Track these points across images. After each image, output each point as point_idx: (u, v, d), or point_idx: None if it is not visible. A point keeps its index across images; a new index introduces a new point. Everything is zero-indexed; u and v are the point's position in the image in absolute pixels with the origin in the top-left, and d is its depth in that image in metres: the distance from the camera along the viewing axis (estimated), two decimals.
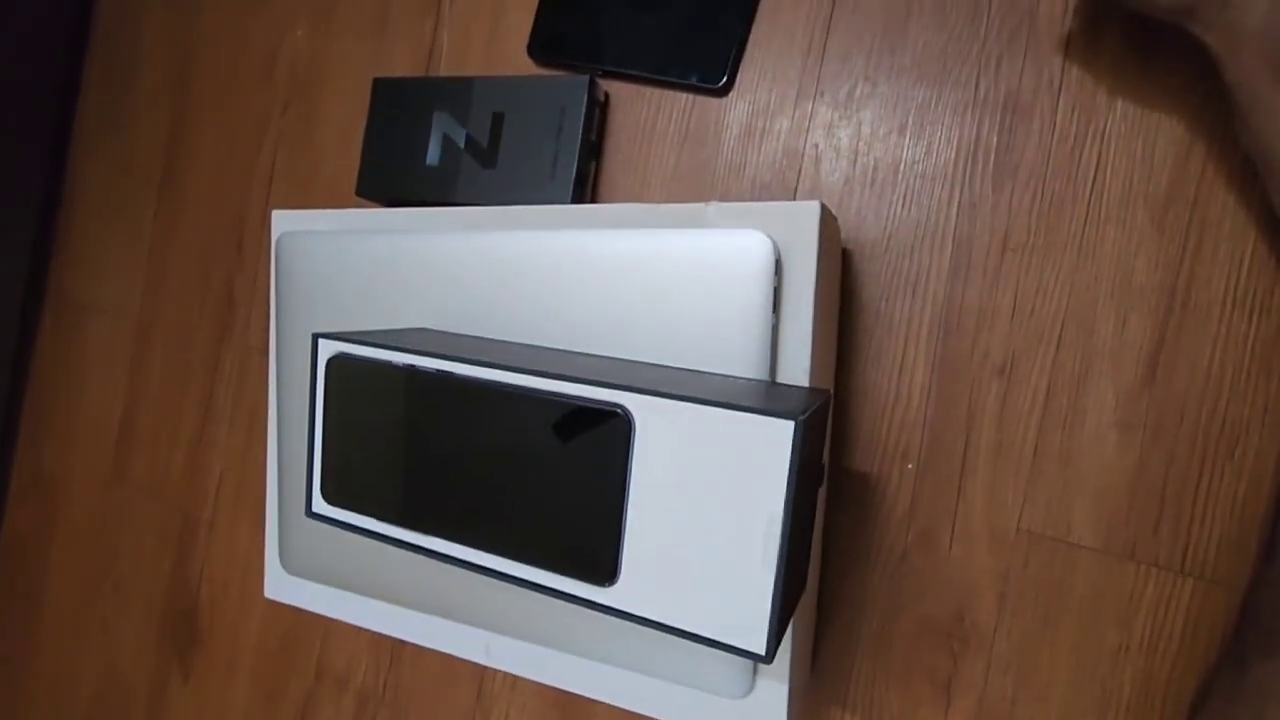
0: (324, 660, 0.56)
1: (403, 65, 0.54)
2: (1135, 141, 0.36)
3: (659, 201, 0.45)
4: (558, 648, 0.37)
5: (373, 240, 0.40)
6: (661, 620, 0.26)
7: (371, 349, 0.32)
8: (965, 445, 0.39)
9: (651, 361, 0.33)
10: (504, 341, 0.36)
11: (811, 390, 0.30)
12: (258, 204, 0.60)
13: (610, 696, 0.37)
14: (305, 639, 0.57)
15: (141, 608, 0.65)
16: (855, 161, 0.41)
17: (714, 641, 0.26)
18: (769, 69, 0.43)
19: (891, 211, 0.41)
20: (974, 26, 0.39)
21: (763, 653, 0.25)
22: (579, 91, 0.45)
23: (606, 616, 0.34)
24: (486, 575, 0.30)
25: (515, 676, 0.49)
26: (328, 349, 0.33)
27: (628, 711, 0.40)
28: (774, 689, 0.33)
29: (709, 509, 0.25)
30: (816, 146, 0.42)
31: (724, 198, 0.44)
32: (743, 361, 0.31)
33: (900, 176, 0.40)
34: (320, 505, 0.34)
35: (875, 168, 0.41)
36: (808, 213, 0.31)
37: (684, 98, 0.45)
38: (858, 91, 0.42)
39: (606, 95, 0.47)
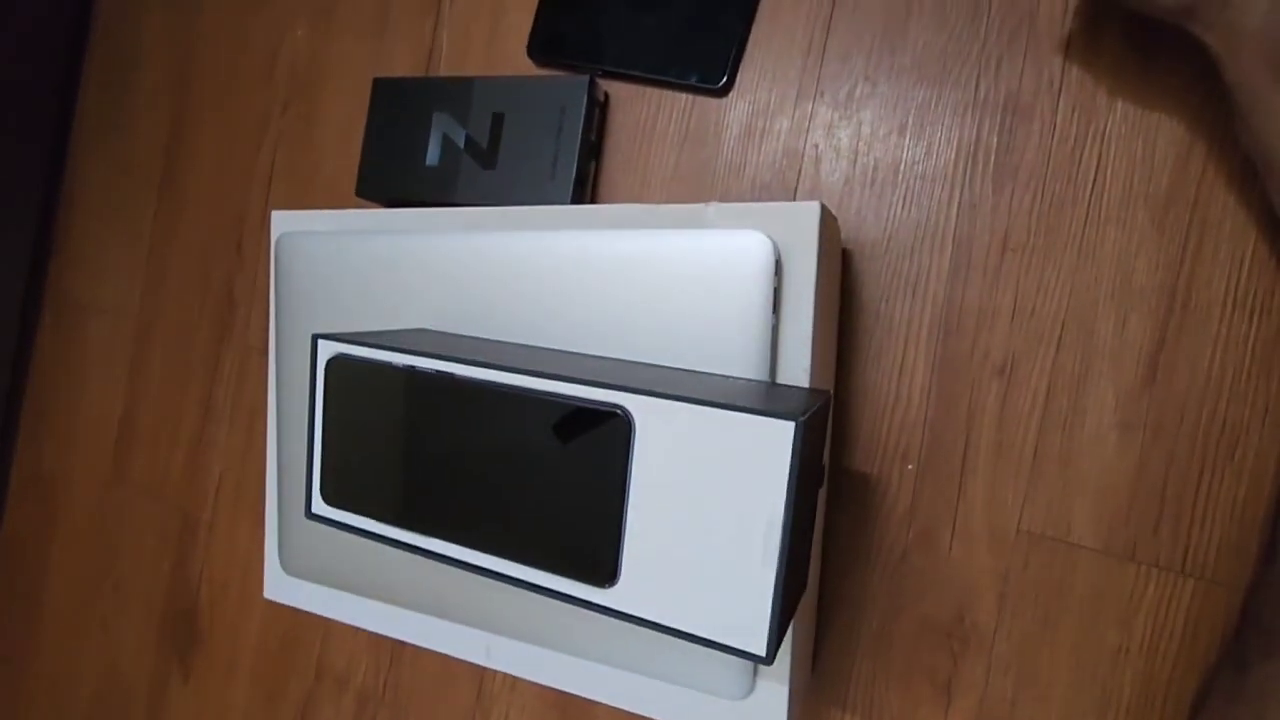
0: (324, 660, 0.56)
1: (403, 65, 0.54)
2: (1135, 142, 0.36)
3: (659, 202, 0.45)
4: (558, 649, 0.37)
5: (372, 241, 0.40)
6: (661, 621, 0.26)
7: (371, 350, 0.32)
8: (965, 445, 0.39)
9: (651, 362, 0.33)
10: (504, 342, 0.36)
11: (812, 391, 0.30)
12: (257, 204, 0.60)
13: (610, 698, 0.37)
14: (305, 639, 0.57)
15: (141, 608, 0.65)
16: (855, 162, 0.41)
17: (714, 643, 0.25)
18: (769, 69, 0.43)
19: (891, 212, 0.40)
20: (974, 27, 0.39)
21: (763, 654, 0.25)
22: (579, 91, 0.45)
23: (606, 618, 0.34)
24: (486, 576, 0.30)
25: (515, 677, 0.49)
26: (327, 349, 0.33)
27: (628, 713, 0.40)
28: (774, 690, 0.33)
29: (709, 510, 0.25)
30: (816, 147, 0.42)
31: (724, 198, 0.44)
32: (743, 362, 0.31)
33: (900, 177, 0.40)
34: (320, 506, 0.34)
35: (875, 168, 0.41)
36: (808, 213, 0.31)
37: (684, 98, 0.45)
38: (858, 92, 0.42)
39: (606, 95, 0.47)
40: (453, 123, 0.48)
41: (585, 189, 0.46)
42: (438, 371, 0.30)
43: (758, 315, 0.31)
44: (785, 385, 0.31)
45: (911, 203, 0.40)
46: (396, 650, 0.53)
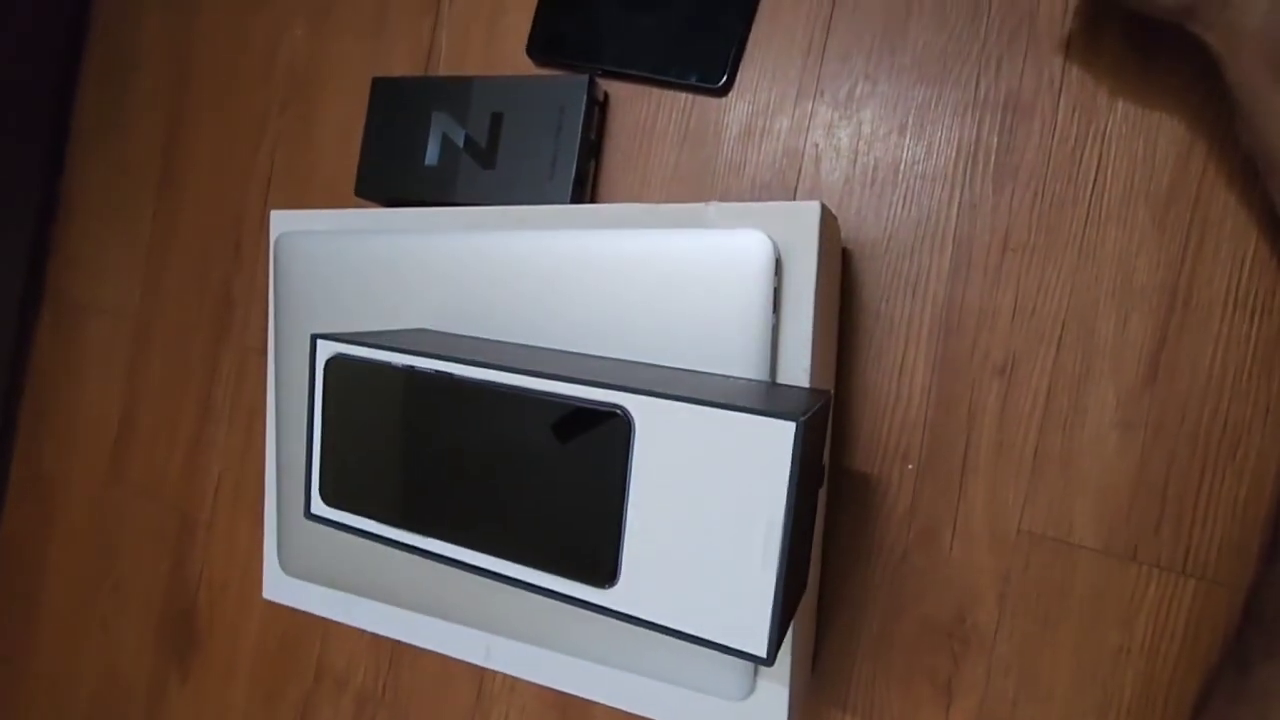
0: (323, 661, 0.56)
1: (401, 65, 0.54)
2: (1136, 141, 0.36)
3: (659, 201, 0.45)
4: (557, 649, 0.37)
5: (372, 240, 0.40)
6: (661, 622, 0.26)
7: (370, 350, 0.32)
8: (966, 445, 0.39)
9: (651, 362, 0.33)
10: (503, 342, 0.35)
11: (812, 391, 0.30)
12: (256, 204, 0.60)
13: (610, 698, 0.36)
14: (304, 640, 0.56)
15: (140, 608, 0.65)
16: (855, 161, 0.41)
17: (714, 643, 0.25)
18: (769, 69, 0.43)
19: (892, 211, 0.40)
20: (974, 26, 0.39)
21: (763, 654, 0.25)
22: (578, 91, 0.45)
23: (606, 618, 0.34)
24: (486, 577, 0.30)
25: (515, 678, 0.49)
26: (326, 350, 0.33)
27: (627, 713, 0.40)
28: (774, 691, 0.33)
29: (709, 510, 0.25)
30: (816, 146, 0.42)
31: (724, 197, 0.44)
32: (743, 362, 0.31)
33: (900, 176, 0.40)
34: (319, 507, 0.34)
35: (875, 168, 0.41)
36: (808, 213, 0.31)
37: (684, 97, 0.45)
38: (858, 91, 0.42)
39: (606, 95, 0.47)
40: (452, 122, 0.48)
41: (585, 188, 0.46)
42: (437, 371, 0.30)
43: (758, 315, 0.31)
44: (785, 385, 0.31)
45: (912, 202, 0.40)
46: (396, 651, 0.53)
